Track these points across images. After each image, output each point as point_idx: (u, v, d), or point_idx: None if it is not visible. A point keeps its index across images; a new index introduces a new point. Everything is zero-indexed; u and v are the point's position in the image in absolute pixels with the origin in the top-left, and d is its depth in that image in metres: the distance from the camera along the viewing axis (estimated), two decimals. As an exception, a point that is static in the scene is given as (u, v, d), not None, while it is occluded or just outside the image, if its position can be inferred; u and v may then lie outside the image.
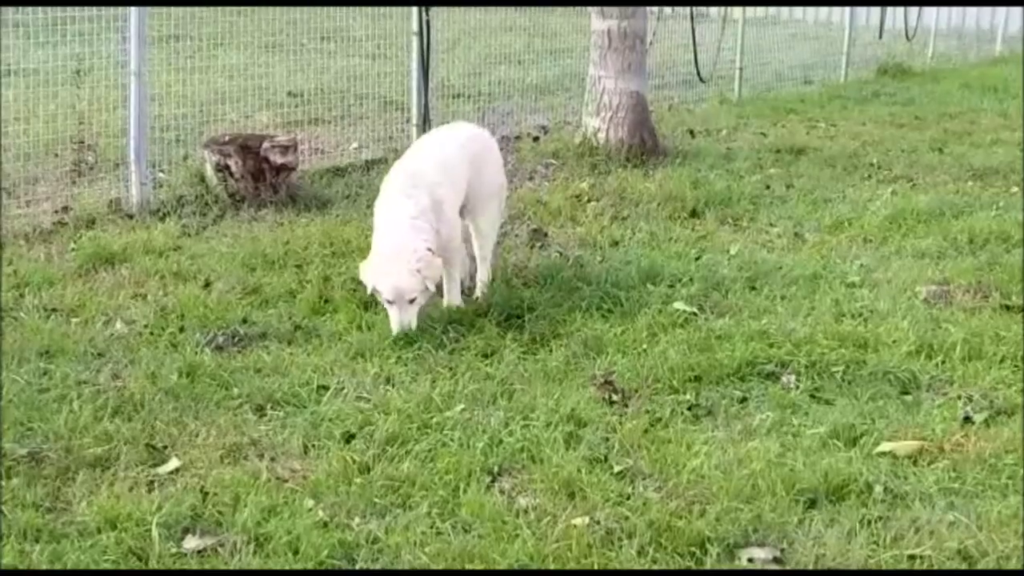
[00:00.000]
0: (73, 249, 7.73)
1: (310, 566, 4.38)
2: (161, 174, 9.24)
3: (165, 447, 5.19)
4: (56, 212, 8.40)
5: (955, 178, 10.37)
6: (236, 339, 6.32)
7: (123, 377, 5.82)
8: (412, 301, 6.24)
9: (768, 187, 9.87)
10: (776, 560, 4.50)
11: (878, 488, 4.92)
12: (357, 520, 4.69)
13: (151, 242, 7.82)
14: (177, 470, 5.02)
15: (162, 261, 7.47)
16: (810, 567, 4.42)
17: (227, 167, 8.76)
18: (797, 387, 5.86)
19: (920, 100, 15.18)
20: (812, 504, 4.84)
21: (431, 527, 4.55)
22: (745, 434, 5.43)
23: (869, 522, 4.70)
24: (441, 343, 6.23)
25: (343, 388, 5.76)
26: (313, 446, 5.25)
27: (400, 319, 6.23)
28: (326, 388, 5.76)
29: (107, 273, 7.28)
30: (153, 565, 4.37)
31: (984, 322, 6.55)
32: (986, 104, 14.91)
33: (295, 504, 4.78)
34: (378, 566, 4.41)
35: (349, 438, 5.30)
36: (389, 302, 6.25)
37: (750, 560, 4.49)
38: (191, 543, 4.52)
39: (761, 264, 7.60)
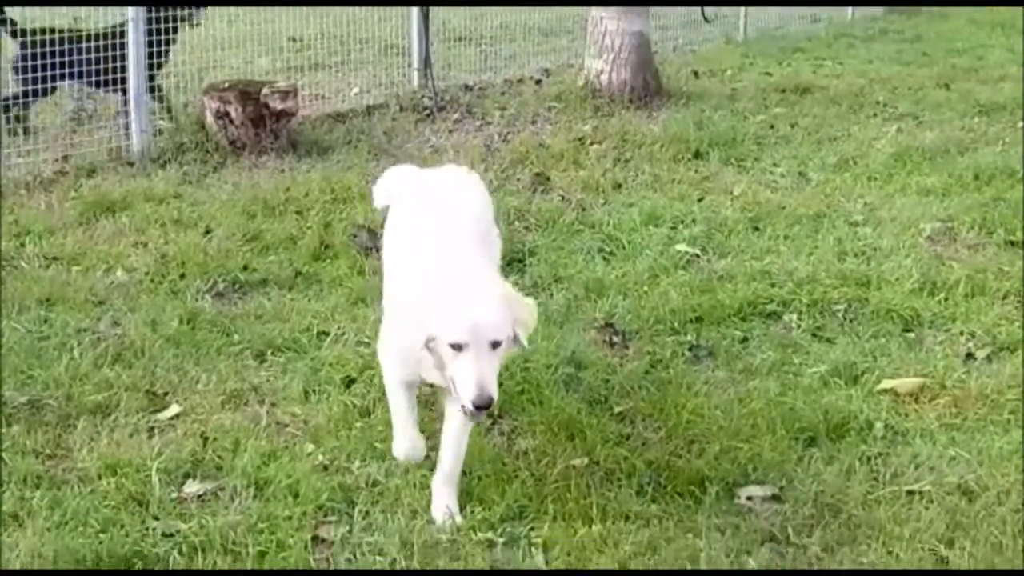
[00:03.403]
0: (74, 198, 7.70)
1: (310, 509, 4.38)
2: (161, 122, 9.20)
3: (165, 394, 5.20)
4: (56, 161, 8.38)
5: (961, 115, 10.29)
6: (236, 286, 6.32)
7: (123, 325, 5.81)
8: (496, 346, 4.05)
9: (772, 127, 9.80)
10: (775, 498, 4.50)
11: (878, 425, 4.92)
12: (357, 464, 4.70)
13: (151, 190, 7.80)
14: (177, 416, 5.02)
15: (162, 209, 7.45)
16: (808, 504, 4.42)
17: (227, 114, 8.72)
18: (798, 326, 5.85)
19: (927, 37, 15.04)
20: (812, 442, 4.84)
21: (431, 470, 4.55)
22: (745, 374, 5.43)
23: (868, 459, 4.70)
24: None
25: (343, 334, 5.75)
26: (314, 391, 5.25)
27: (476, 372, 3.95)
28: (326, 334, 5.75)
29: (107, 221, 7.26)
30: (154, 510, 4.38)
31: (988, 259, 6.51)
32: (993, 40, 14.78)
33: (295, 448, 4.79)
34: (378, 509, 4.42)
35: (350, 383, 5.30)
36: (457, 347, 4.02)
37: (749, 498, 4.49)
38: (191, 488, 4.54)
39: (764, 204, 7.56)
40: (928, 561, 4.11)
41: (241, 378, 5.34)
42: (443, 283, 4.18)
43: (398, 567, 4.10)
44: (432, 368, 4.21)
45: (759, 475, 4.63)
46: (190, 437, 4.84)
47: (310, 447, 4.79)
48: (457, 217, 4.74)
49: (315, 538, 4.27)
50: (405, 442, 4.55)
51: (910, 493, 4.49)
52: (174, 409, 5.07)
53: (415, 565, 4.10)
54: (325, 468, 4.66)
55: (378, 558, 4.15)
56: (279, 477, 4.56)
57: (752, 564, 4.11)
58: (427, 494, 4.43)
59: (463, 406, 4.05)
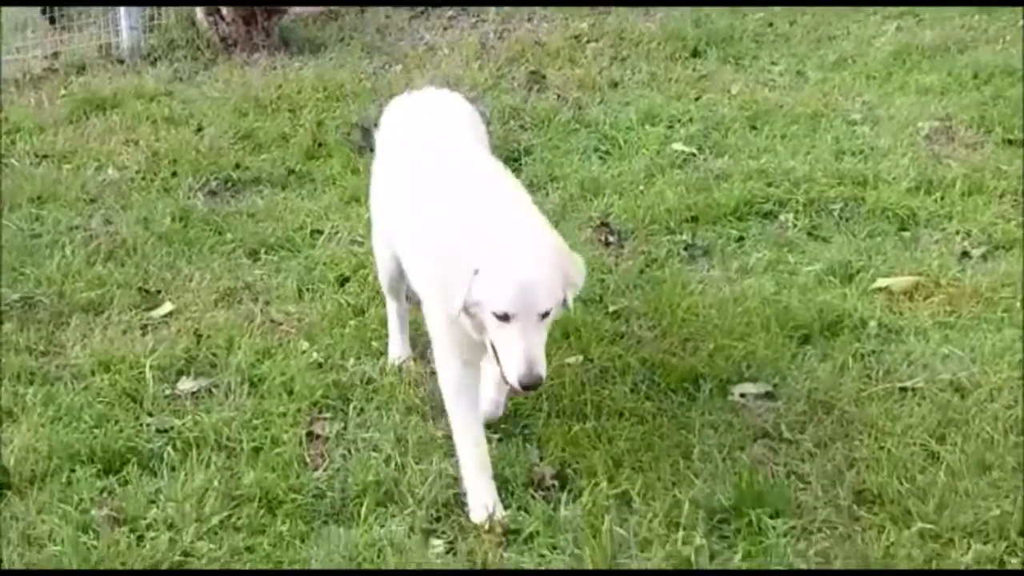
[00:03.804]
0: (64, 95, 7.62)
1: (304, 406, 4.40)
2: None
3: (158, 291, 5.19)
4: (46, 58, 8.27)
5: (961, 13, 10.12)
6: (229, 184, 6.28)
7: (115, 223, 5.78)
8: (545, 316, 3.66)
9: (771, 25, 9.64)
10: (768, 395, 4.51)
11: (872, 323, 4.92)
12: (352, 361, 4.71)
13: (142, 87, 7.70)
14: (170, 314, 5.02)
15: (153, 106, 7.37)
16: (801, 401, 4.43)
17: (218, 11, 8.59)
18: (795, 225, 5.82)
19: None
20: (806, 340, 4.84)
21: (427, 368, 4.55)
22: (741, 273, 5.41)
23: (862, 356, 4.71)
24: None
25: (337, 232, 5.72)
26: (307, 290, 5.24)
27: (524, 347, 3.58)
28: (320, 232, 5.73)
29: (98, 119, 7.18)
30: (147, 407, 4.40)
31: (985, 157, 6.46)
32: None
33: (289, 346, 4.80)
34: (372, 406, 4.44)
35: (344, 281, 5.29)
36: (502, 317, 3.62)
37: (742, 395, 4.51)
38: (185, 385, 4.55)
39: (762, 103, 7.47)
40: (919, 456, 4.13)
41: (234, 276, 5.33)
42: (486, 232, 3.69)
43: (393, 463, 4.11)
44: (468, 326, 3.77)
45: (753, 373, 4.64)
46: (183, 335, 4.84)
47: (304, 345, 4.80)
48: (479, 146, 4.36)
49: (310, 434, 4.30)
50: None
51: (903, 390, 4.50)
52: (167, 307, 5.07)
53: (410, 461, 4.12)
54: (319, 366, 4.67)
55: (373, 454, 4.17)
56: (273, 374, 4.57)
57: (745, 459, 4.13)
58: (422, 391, 4.43)
59: (505, 379, 3.69)
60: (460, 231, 3.76)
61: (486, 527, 3.82)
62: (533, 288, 3.60)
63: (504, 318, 3.60)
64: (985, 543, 3.76)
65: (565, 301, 3.71)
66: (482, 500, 3.90)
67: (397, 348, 4.71)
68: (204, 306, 5.07)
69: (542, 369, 3.60)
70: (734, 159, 6.57)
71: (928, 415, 4.34)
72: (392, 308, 4.74)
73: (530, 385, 3.60)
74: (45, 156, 6.61)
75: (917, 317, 4.99)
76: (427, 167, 4.14)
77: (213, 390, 4.51)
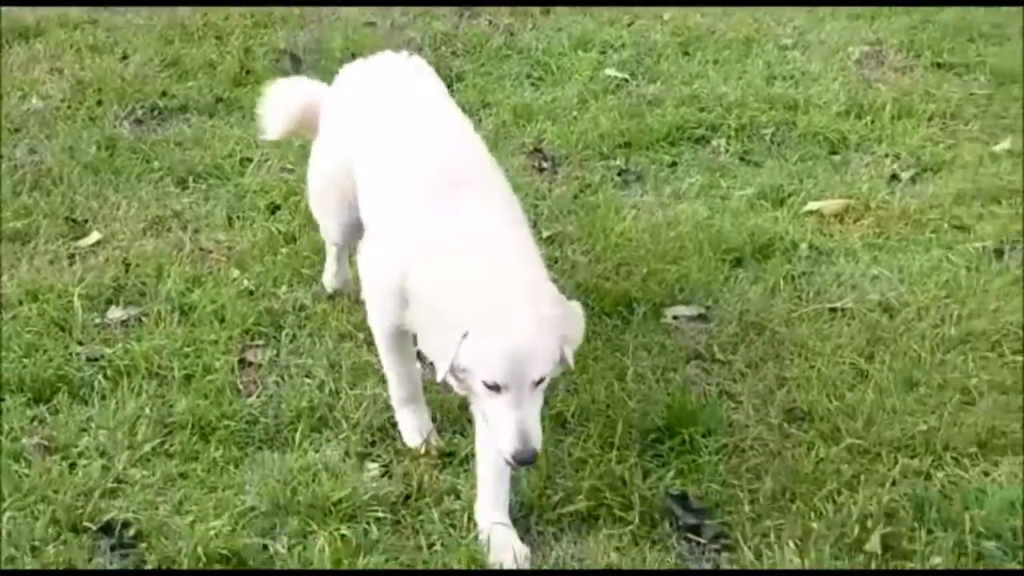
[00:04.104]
0: (-16, 24, 7.43)
1: (236, 333, 4.37)
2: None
3: (86, 220, 5.10)
4: (-36, -14, 8.04)
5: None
6: (155, 112, 6.16)
7: (40, 152, 5.66)
8: (539, 383, 3.35)
9: (703, -49, 9.63)
10: (701, 317, 4.55)
11: (803, 246, 4.97)
12: (283, 289, 4.68)
13: (65, 15, 7.46)
14: (98, 243, 4.95)
15: (78, 35, 7.17)
16: (733, 322, 4.47)
17: (142, -64, 8.39)
18: (727, 150, 5.83)
19: None
20: (738, 263, 4.88)
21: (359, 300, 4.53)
22: (673, 198, 5.43)
23: (793, 278, 4.76)
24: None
25: (267, 160, 5.65)
26: (237, 218, 5.18)
27: (517, 420, 3.28)
28: (250, 160, 5.64)
29: (21, 48, 6.98)
30: (77, 335, 4.34)
31: (914, 81, 6.51)
32: None
33: (220, 274, 4.75)
34: (305, 333, 4.41)
35: (274, 209, 5.24)
36: (493, 388, 3.32)
37: (675, 317, 4.54)
38: (115, 313, 4.50)
39: (694, 29, 7.44)
40: (848, 375, 4.19)
41: (163, 205, 5.26)
42: (477, 288, 3.34)
43: (327, 389, 4.10)
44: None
45: (686, 296, 4.67)
46: (112, 264, 4.78)
47: (235, 273, 4.75)
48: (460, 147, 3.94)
49: (242, 361, 4.28)
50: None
51: (832, 310, 4.57)
52: (95, 236, 4.99)
53: (344, 386, 4.11)
54: (251, 293, 4.63)
55: (306, 380, 4.16)
56: (204, 302, 4.53)
57: (678, 380, 4.17)
58: (355, 318, 4.40)
59: (499, 451, 3.37)
60: (449, 282, 3.40)
61: (421, 450, 3.83)
62: (528, 358, 3.29)
63: (495, 388, 3.30)
64: (912, 457, 3.84)
65: (563, 358, 3.40)
66: (415, 426, 3.90)
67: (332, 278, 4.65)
68: (132, 235, 5.00)
69: (537, 443, 3.31)
70: (667, 85, 6.56)
71: (857, 335, 4.41)
72: (333, 252, 4.60)
73: (525, 461, 3.34)
74: (-34, 85, 6.45)
75: (847, 239, 5.04)
76: (407, 170, 3.80)
77: (143, 318, 4.46)
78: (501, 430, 3.31)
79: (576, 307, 3.52)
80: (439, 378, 3.40)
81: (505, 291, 3.35)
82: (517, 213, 3.77)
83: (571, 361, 3.43)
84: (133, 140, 5.79)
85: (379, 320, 3.81)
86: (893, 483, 3.72)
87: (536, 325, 3.30)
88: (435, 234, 3.54)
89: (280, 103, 4.67)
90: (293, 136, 4.86)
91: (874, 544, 3.50)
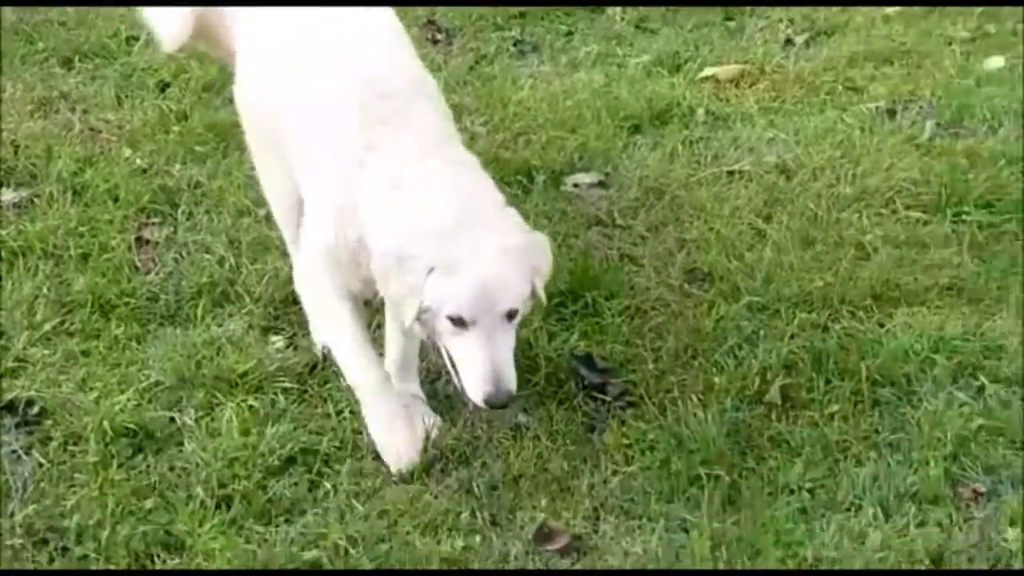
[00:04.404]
0: None
1: (131, 212, 4.30)
2: None
3: (-30, 104, 4.96)
4: None
5: None
6: (36, -8, 5.96)
7: (-84, 34, 5.47)
8: (512, 316, 3.13)
9: None
10: (601, 184, 4.57)
11: (700, 111, 5.00)
12: (177, 166, 4.61)
13: None
14: (-15, 126, 4.82)
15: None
16: (633, 188, 4.50)
17: None
18: (622, 19, 5.81)
19: None
20: (636, 130, 4.90)
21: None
22: (570, 67, 5.42)
23: (691, 143, 4.80)
24: None
25: (154, 38, 5.50)
26: (127, 96, 5.07)
27: (488, 357, 3.05)
28: (136, 39, 5.47)
29: None
30: (-34, 219, 4.24)
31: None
32: None
33: (111, 154, 4.66)
34: (202, 210, 4.36)
35: (164, 87, 5.13)
36: (459, 322, 3.08)
37: (575, 185, 4.56)
38: (6, 196, 4.41)
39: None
40: (747, 235, 4.26)
41: (49, 86, 5.13)
42: (431, 223, 3.09)
43: (227, 265, 4.06)
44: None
45: (585, 163, 4.69)
46: (1, 146, 4.65)
47: (127, 152, 4.67)
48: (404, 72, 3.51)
49: (139, 239, 4.23)
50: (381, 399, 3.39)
51: (730, 173, 4.62)
52: (-20, 120, 4.85)
53: (244, 262, 4.07)
54: (144, 172, 4.56)
55: (206, 256, 4.11)
56: (97, 182, 4.44)
57: (580, 246, 4.19)
58: (252, 195, 4.33)
59: (467, 397, 3.13)
60: (407, 221, 3.12)
61: (406, 468, 3.34)
62: (498, 288, 3.05)
63: (462, 324, 3.05)
64: (810, 312, 3.92)
65: (534, 292, 3.18)
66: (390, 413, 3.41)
67: None
68: (19, 117, 4.87)
69: (511, 383, 3.04)
70: (558, -46, 6.48)
71: (755, 196, 4.47)
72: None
73: (498, 404, 3.06)
74: None
75: (743, 104, 5.08)
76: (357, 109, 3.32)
77: (35, 200, 4.36)
78: (471, 371, 3.05)
79: (541, 237, 3.29)
80: (408, 323, 3.11)
81: (468, 221, 3.11)
82: (452, 127, 3.51)
83: (542, 295, 3.21)
84: (15, 20, 5.61)
85: (333, 290, 3.34)
86: (792, 337, 3.80)
87: (503, 253, 3.08)
88: (381, 175, 3.19)
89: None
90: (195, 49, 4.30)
91: (774, 395, 3.59)
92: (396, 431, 3.33)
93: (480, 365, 3.03)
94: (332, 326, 3.42)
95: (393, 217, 3.14)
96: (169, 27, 3.99)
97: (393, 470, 3.29)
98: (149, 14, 4.09)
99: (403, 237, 3.09)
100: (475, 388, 3.05)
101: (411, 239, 3.08)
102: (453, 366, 3.14)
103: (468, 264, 3.04)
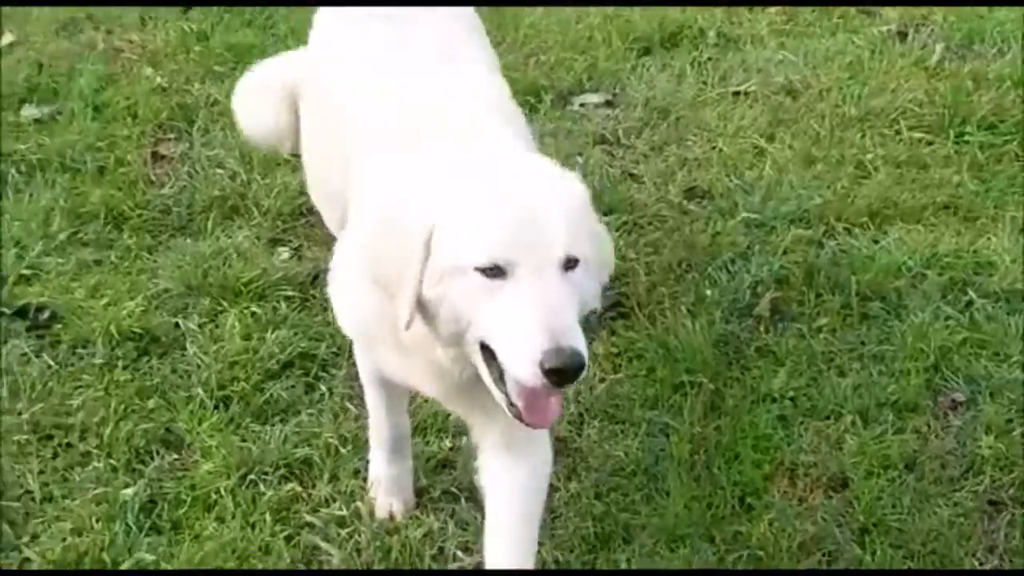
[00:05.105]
0: None
1: (149, 128, 4.42)
2: None
3: (-2, 22, 5.10)
4: None
5: None
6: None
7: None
8: (571, 266, 2.28)
9: None
10: (608, 103, 4.64)
11: (711, 33, 5.03)
12: (196, 86, 4.72)
13: None
14: (11, 44, 4.95)
15: None
16: (639, 108, 4.56)
17: None
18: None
19: None
20: (646, 51, 4.95)
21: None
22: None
23: (699, 64, 4.84)
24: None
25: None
26: (150, 17, 5.18)
27: (541, 301, 2.22)
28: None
29: None
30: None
31: None
32: None
33: (133, 72, 4.78)
34: (218, 127, 4.46)
35: (187, 8, 5.22)
36: (493, 272, 2.25)
37: (582, 105, 4.62)
38: (28, 112, 4.54)
39: None
40: (749, 154, 4.31)
41: (74, 7, 5.23)
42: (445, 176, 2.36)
43: (238, 179, 4.17)
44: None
45: (593, 84, 4.75)
46: (24, 64, 4.80)
47: (148, 70, 4.78)
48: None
49: (155, 154, 4.34)
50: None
51: (736, 94, 4.66)
52: (8, 38, 5.00)
53: (255, 177, 4.17)
54: (164, 90, 4.67)
55: (218, 171, 4.22)
56: (117, 99, 4.57)
57: (582, 163, 4.26)
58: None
59: (512, 407, 2.31)
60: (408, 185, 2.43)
61: (384, 515, 3.13)
62: (547, 219, 2.26)
63: (497, 272, 2.24)
64: (806, 228, 3.98)
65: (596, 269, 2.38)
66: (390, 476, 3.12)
67: None
68: (45, 36, 5.00)
69: (577, 342, 2.19)
70: None
71: (760, 116, 4.51)
72: None
73: (562, 368, 2.17)
74: None
75: (755, 26, 5.11)
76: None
77: (57, 116, 4.49)
78: (516, 333, 2.21)
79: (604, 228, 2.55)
80: (406, 314, 2.31)
81: (490, 162, 2.43)
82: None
83: (606, 277, 2.48)
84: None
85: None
86: (785, 252, 3.87)
87: (546, 183, 2.36)
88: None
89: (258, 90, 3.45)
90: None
91: (763, 307, 3.67)
92: (395, 494, 3.10)
93: (530, 318, 2.20)
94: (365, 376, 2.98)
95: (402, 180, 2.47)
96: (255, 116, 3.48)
97: (377, 516, 3.09)
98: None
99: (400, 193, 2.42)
100: (524, 355, 2.19)
101: (412, 190, 2.39)
102: (493, 359, 2.29)
103: (500, 194, 2.31)
